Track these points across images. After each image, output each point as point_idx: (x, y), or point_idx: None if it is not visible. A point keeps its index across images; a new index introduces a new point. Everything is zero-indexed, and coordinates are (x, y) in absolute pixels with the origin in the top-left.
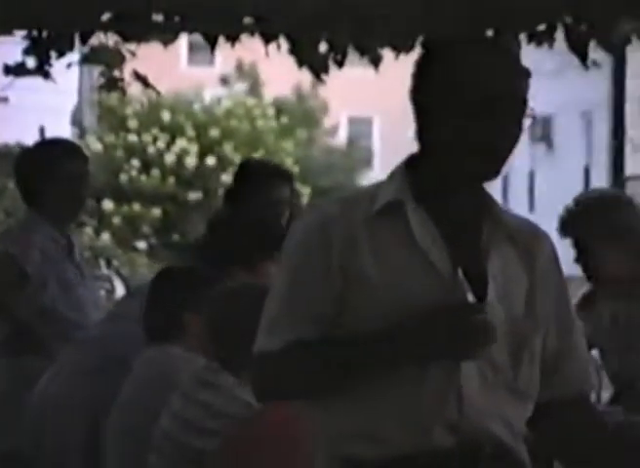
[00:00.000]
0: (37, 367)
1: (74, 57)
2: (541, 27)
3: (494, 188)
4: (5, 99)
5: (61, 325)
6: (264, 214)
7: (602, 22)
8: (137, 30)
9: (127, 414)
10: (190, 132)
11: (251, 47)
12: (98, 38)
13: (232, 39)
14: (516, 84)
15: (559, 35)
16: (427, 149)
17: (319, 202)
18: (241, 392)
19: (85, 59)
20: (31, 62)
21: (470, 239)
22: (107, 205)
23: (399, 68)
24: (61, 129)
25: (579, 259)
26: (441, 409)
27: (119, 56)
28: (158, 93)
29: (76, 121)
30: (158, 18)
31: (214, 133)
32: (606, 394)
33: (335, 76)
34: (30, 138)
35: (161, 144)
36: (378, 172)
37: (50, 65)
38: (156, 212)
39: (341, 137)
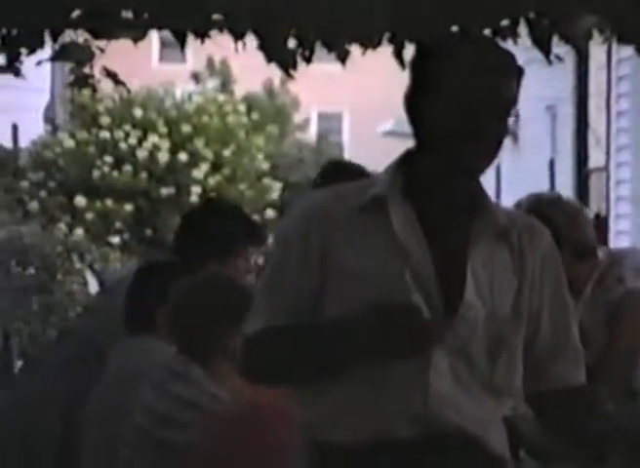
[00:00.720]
0: None
1: (45, 54)
2: (505, 23)
3: None
4: None
5: None
6: None
7: (564, 17)
8: (106, 27)
9: (102, 406)
10: (162, 128)
11: (222, 44)
12: (69, 35)
13: (201, 36)
14: (506, 83)
15: (523, 30)
16: (420, 144)
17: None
18: (208, 383)
19: (55, 56)
20: (1, 60)
21: (456, 235)
22: (80, 201)
23: (369, 64)
24: (35, 127)
25: None
26: (405, 404)
27: (89, 52)
28: (128, 90)
29: (48, 118)
30: (127, 14)
31: (185, 129)
32: None
33: (304, 72)
34: (3, 137)
35: (133, 141)
36: None
37: (20, 63)
38: (129, 207)
39: (312, 133)
